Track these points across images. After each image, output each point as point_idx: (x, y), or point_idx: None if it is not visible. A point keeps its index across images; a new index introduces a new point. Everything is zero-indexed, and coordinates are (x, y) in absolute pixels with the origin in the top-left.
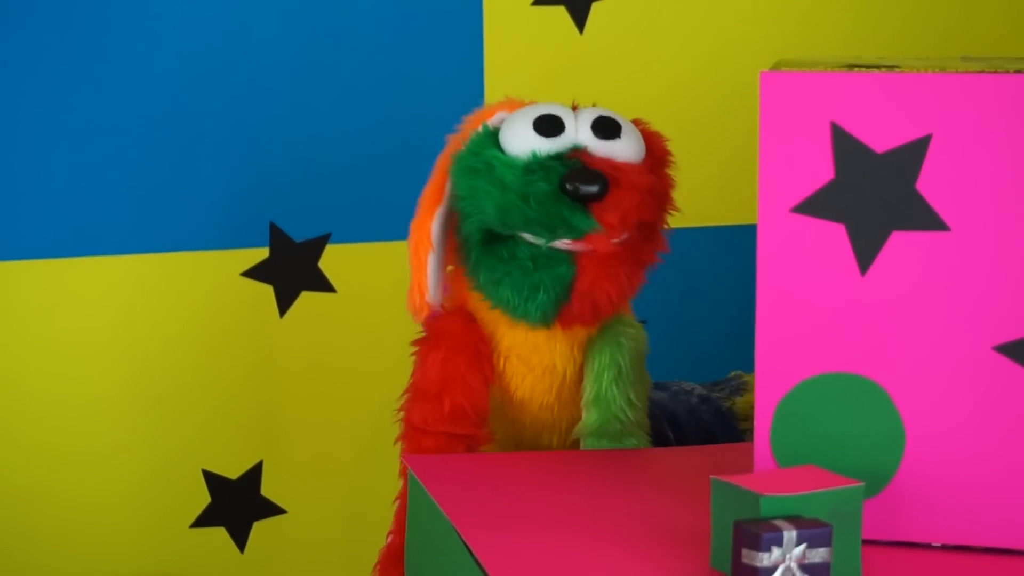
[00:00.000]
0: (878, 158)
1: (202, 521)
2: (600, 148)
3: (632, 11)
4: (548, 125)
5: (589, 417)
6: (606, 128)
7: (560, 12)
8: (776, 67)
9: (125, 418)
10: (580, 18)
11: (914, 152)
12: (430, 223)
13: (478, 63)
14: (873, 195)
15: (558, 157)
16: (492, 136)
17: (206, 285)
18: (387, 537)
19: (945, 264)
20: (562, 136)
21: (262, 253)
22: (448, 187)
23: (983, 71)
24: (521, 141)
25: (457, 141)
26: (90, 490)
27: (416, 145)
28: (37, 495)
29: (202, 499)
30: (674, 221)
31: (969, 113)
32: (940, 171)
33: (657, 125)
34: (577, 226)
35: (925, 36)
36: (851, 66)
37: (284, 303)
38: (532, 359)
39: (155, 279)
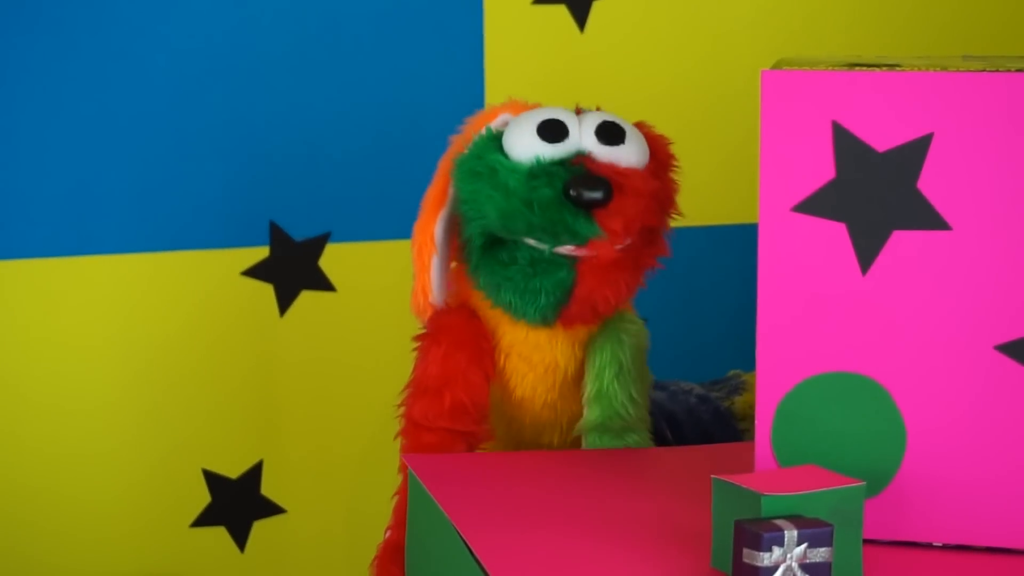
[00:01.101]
0: (879, 157)
1: (202, 520)
2: (604, 153)
3: (633, 10)
4: (552, 130)
5: (591, 413)
6: (610, 133)
7: (561, 11)
8: (777, 66)
9: (125, 417)
10: (581, 17)
11: (915, 151)
12: (434, 225)
13: (478, 62)
14: (874, 194)
15: (562, 163)
16: (495, 140)
17: (206, 284)
18: (385, 532)
19: (946, 263)
20: (566, 142)
21: (262, 252)
22: (451, 190)
23: (984, 70)
24: (525, 146)
25: (460, 143)
26: (90, 489)
27: (416, 144)
28: (37, 494)
29: (202, 498)
30: (674, 221)
31: (970, 112)
32: (941, 170)
33: (658, 124)
34: (581, 232)
35: (926, 35)
36: (852, 65)
37: (284, 302)
38: (533, 357)
39: (155, 278)
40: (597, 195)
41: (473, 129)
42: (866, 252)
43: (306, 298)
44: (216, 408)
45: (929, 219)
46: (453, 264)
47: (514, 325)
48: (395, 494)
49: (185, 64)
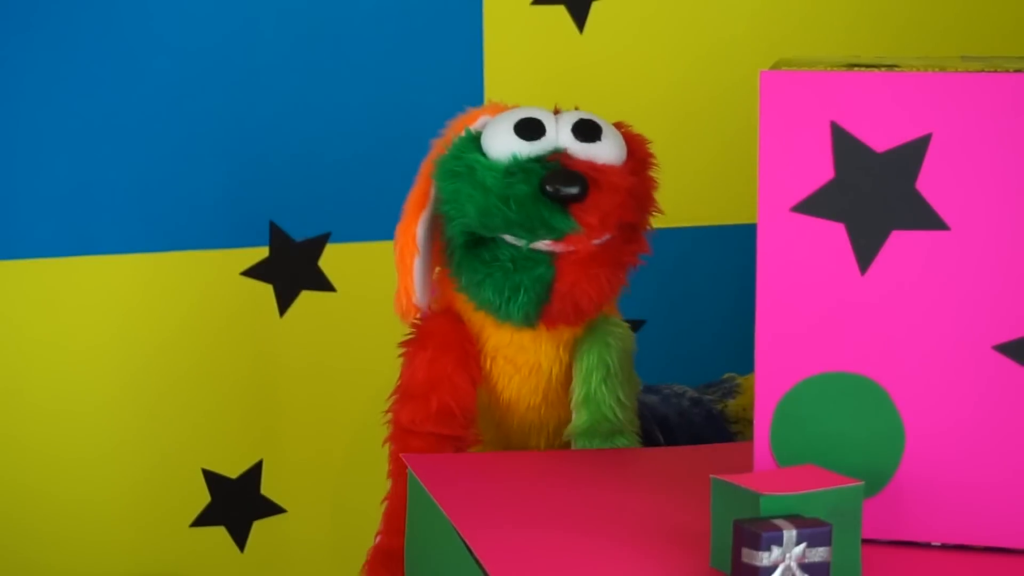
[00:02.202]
0: (878, 157)
1: (202, 520)
2: (581, 151)
3: (632, 11)
4: (529, 129)
5: (579, 418)
6: (586, 131)
7: (560, 11)
8: (776, 66)
9: (125, 417)
10: (580, 17)
11: (914, 151)
12: (415, 227)
13: (478, 63)
14: (873, 194)
15: (538, 160)
16: (474, 140)
17: (206, 284)
18: (375, 538)
19: (945, 263)
20: (543, 140)
21: (262, 252)
22: (432, 191)
23: (983, 70)
24: (502, 144)
25: (441, 146)
26: (90, 489)
27: (416, 145)
28: (37, 494)
29: (202, 498)
30: (673, 220)
31: (969, 112)
32: (940, 170)
33: (656, 124)
34: (557, 227)
35: (925, 35)
36: (851, 65)
37: (284, 302)
38: (518, 359)
39: (155, 278)
40: (573, 190)
41: (454, 132)
42: (865, 252)
43: (306, 298)
44: (216, 408)
45: (928, 219)
46: (437, 269)
47: (499, 328)
48: (384, 499)
49: (185, 65)
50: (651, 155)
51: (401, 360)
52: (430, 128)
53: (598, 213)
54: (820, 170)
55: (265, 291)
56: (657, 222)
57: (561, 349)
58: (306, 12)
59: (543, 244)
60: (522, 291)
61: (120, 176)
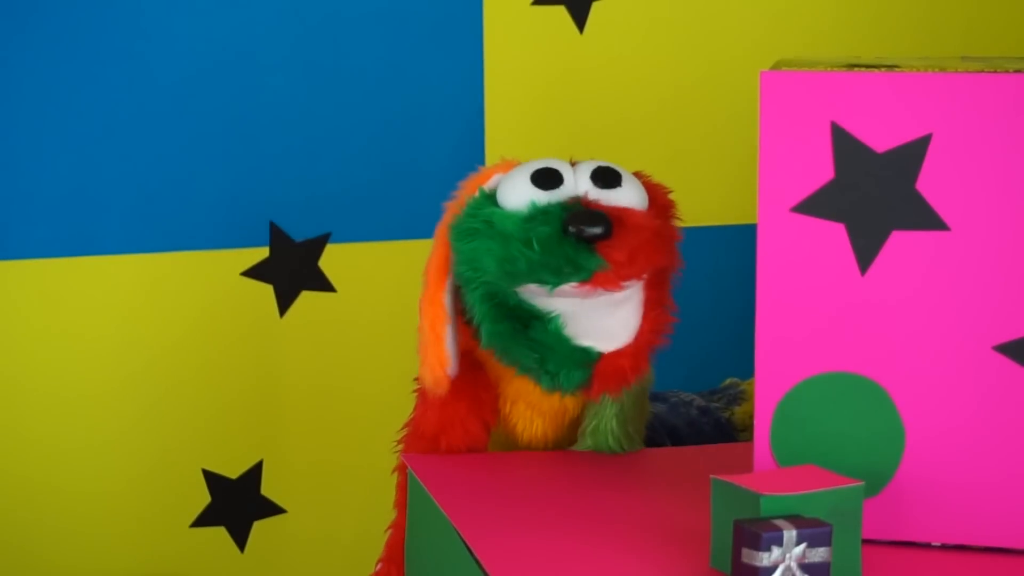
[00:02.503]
0: (878, 158)
1: (202, 521)
2: (601, 196)
3: (632, 11)
4: (546, 178)
5: (583, 443)
6: (606, 177)
7: (560, 12)
8: (776, 67)
9: (125, 418)
10: (580, 18)
11: (914, 152)
12: (441, 295)
13: (478, 63)
14: (873, 195)
15: (559, 205)
16: (489, 197)
17: (206, 285)
18: (376, 565)
19: (945, 264)
20: (561, 188)
21: (262, 253)
22: (451, 255)
23: (983, 71)
24: (519, 196)
25: (454, 208)
26: (90, 489)
27: (416, 145)
28: (37, 494)
29: (202, 499)
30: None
31: (969, 113)
32: (940, 171)
33: (657, 125)
34: (584, 265)
35: (925, 36)
36: (851, 66)
37: (284, 303)
38: (543, 405)
39: (155, 278)
40: (597, 230)
41: (466, 193)
42: (865, 252)
43: (306, 298)
44: (216, 408)
45: (928, 219)
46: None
47: (522, 376)
48: (388, 528)
49: (186, 65)
50: (673, 204)
51: (415, 396)
52: (431, 128)
53: (626, 250)
54: (820, 170)
55: (265, 291)
56: None
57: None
58: (306, 13)
59: (569, 288)
60: (575, 368)
61: (121, 176)
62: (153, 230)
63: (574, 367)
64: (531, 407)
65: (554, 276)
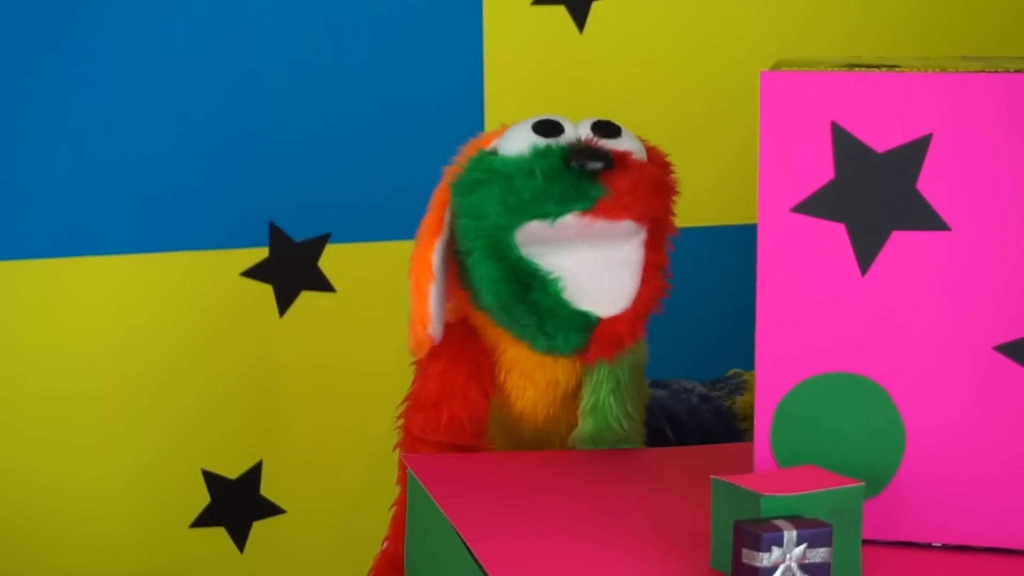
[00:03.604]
0: (878, 158)
1: (202, 521)
2: (602, 143)
3: (632, 11)
4: (547, 128)
5: (584, 426)
6: (606, 129)
7: (560, 12)
8: (776, 67)
9: (124, 418)
10: (580, 18)
11: (914, 152)
12: (430, 253)
13: (478, 63)
14: (873, 195)
15: (560, 146)
16: (491, 153)
17: (206, 285)
18: (383, 543)
19: (945, 264)
20: (561, 137)
21: (262, 253)
22: (447, 217)
23: (983, 71)
24: (521, 143)
25: (454, 171)
26: (89, 490)
27: (416, 145)
28: (36, 494)
29: (202, 499)
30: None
31: (969, 113)
32: (940, 171)
33: (657, 125)
34: (586, 193)
35: (925, 36)
36: (851, 66)
37: (284, 303)
38: (535, 374)
39: (155, 279)
40: (599, 164)
41: (466, 156)
42: (865, 253)
43: (306, 299)
44: (215, 408)
45: (928, 220)
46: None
47: (516, 343)
48: (392, 505)
49: (185, 65)
50: (670, 164)
51: (414, 368)
52: (431, 128)
53: (628, 182)
54: (820, 170)
55: (265, 291)
56: None
57: (577, 362)
58: (306, 12)
59: (573, 218)
60: (573, 332)
61: (119, 176)
62: (152, 230)
63: (572, 331)
64: (524, 376)
65: (557, 205)
